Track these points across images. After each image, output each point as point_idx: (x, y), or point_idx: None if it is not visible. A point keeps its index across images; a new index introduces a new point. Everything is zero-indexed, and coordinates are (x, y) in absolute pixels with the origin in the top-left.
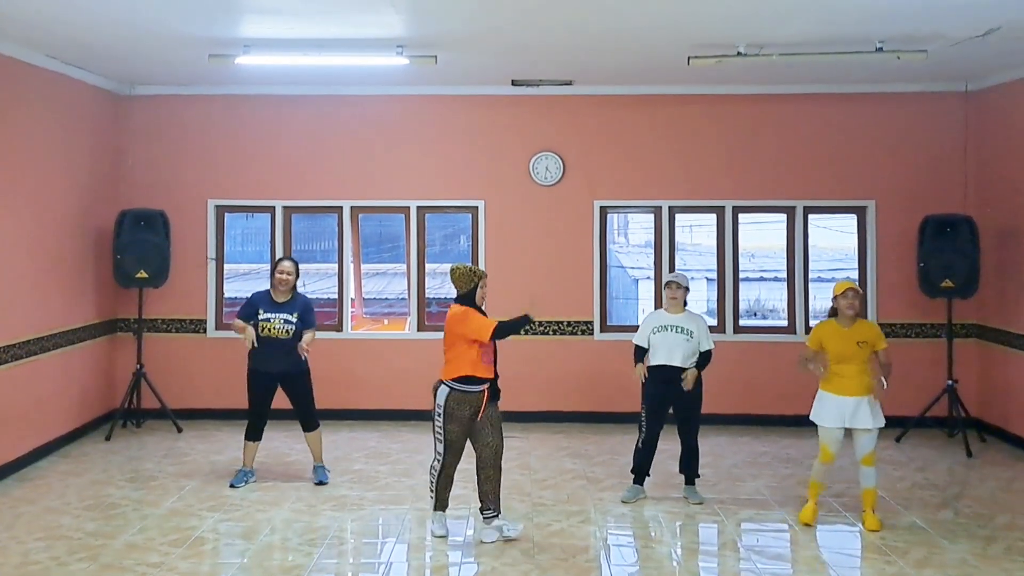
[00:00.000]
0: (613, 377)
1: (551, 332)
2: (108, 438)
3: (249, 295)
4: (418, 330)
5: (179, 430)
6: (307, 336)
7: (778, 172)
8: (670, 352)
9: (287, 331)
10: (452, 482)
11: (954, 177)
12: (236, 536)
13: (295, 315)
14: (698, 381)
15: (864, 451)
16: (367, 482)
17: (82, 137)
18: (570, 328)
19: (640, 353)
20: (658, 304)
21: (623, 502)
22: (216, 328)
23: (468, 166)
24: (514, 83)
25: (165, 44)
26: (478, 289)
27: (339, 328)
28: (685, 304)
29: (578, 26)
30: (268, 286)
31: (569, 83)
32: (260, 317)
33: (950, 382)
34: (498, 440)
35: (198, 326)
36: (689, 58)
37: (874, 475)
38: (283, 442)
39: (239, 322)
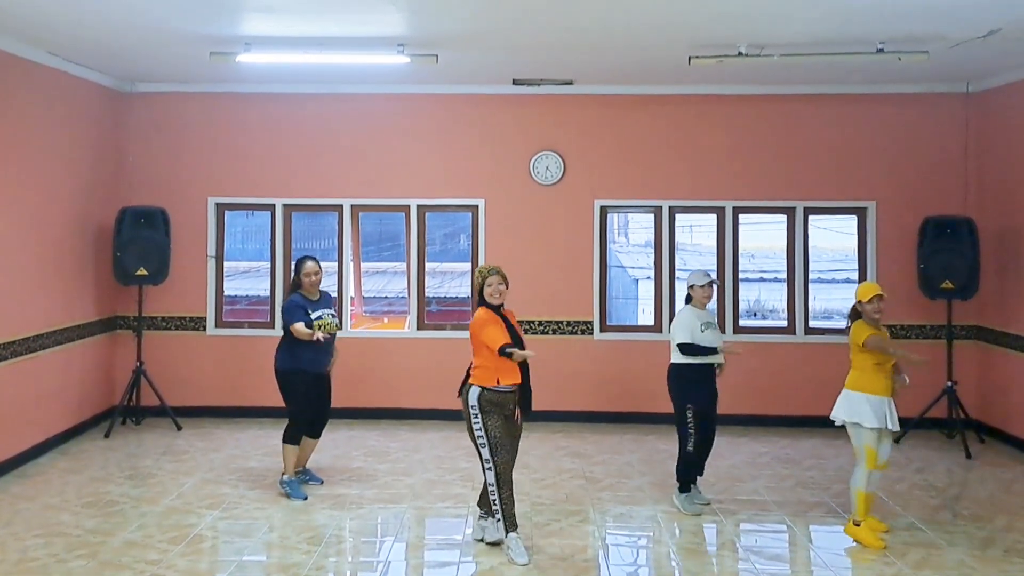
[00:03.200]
0: (613, 377)
1: (551, 331)
2: (107, 435)
3: (285, 305)
4: (418, 329)
5: (178, 428)
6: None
7: (779, 173)
8: (716, 352)
9: (336, 325)
10: (513, 493)
11: (955, 178)
12: (235, 534)
13: (332, 308)
14: None
15: (887, 455)
16: (366, 481)
17: (83, 134)
18: (570, 328)
19: (698, 348)
20: (659, 302)
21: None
22: (216, 326)
23: (468, 165)
24: (515, 82)
25: (166, 42)
26: (484, 288)
27: (339, 326)
28: None
29: (579, 25)
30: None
31: (570, 82)
32: (313, 317)
33: (949, 383)
34: (515, 449)
35: (198, 324)
36: (690, 58)
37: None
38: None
39: (305, 329)
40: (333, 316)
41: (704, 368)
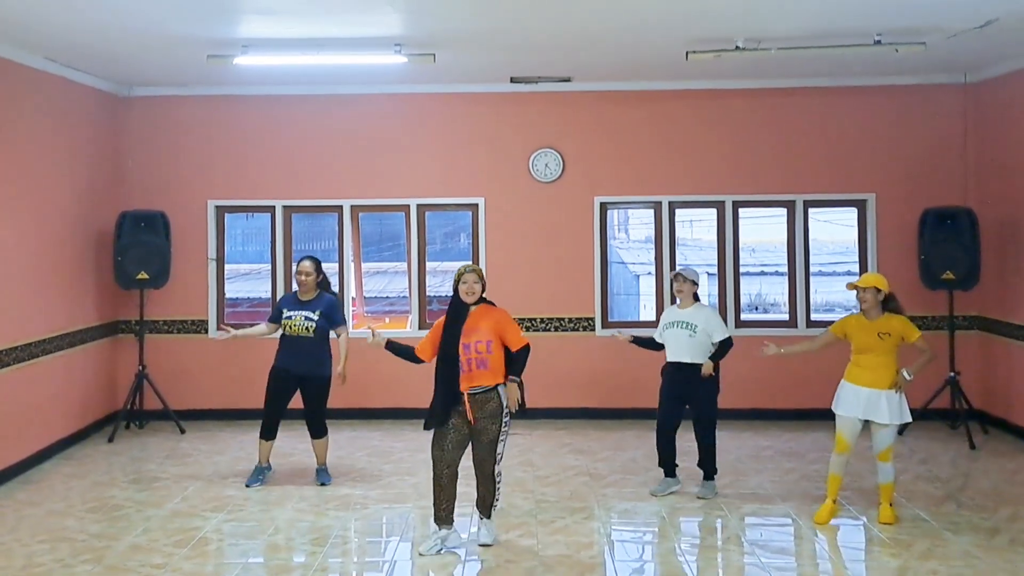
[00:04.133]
0: (615, 373)
1: (552, 328)
2: (111, 440)
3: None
4: (419, 328)
5: (182, 431)
6: (342, 351)
7: (778, 166)
8: (678, 349)
9: (307, 328)
10: (447, 489)
11: (954, 169)
12: (240, 536)
13: (317, 313)
14: (711, 378)
15: (879, 446)
16: (370, 481)
17: (81, 139)
18: (571, 324)
19: (653, 344)
20: (660, 298)
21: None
22: (218, 328)
23: (468, 163)
24: (513, 80)
25: (164, 45)
26: (459, 285)
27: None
28: (696, 298)
29: (576, 22)
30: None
31: (568, 80)
32: (284, 316)
33: (952, 374)
34: (483, 454)
35: (199, 327)
36: (687, 53)
37: (891, 471)
38: (286, 441)
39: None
40: (307, 319)
41: (669, 365)
